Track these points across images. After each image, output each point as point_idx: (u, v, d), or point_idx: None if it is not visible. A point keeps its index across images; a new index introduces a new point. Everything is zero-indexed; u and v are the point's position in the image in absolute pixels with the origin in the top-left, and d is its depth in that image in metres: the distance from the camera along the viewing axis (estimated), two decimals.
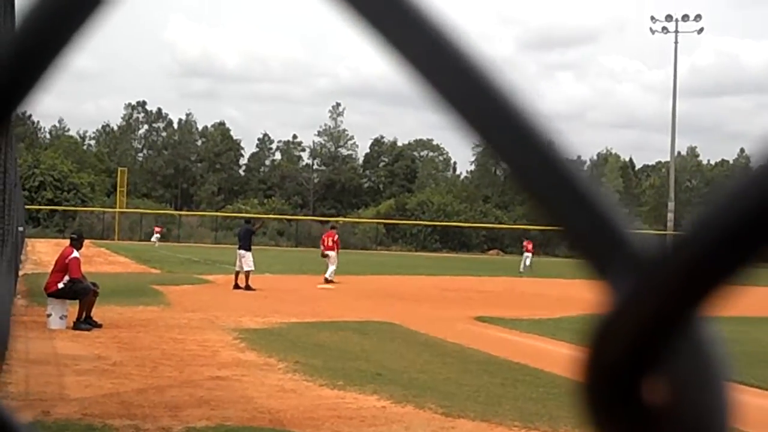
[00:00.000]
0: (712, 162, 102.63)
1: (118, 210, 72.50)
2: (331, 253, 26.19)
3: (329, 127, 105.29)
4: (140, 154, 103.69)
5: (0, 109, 0.54)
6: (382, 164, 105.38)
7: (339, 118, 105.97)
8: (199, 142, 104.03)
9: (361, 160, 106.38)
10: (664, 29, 75.85)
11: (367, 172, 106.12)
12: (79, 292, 13.04)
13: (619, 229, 0.42)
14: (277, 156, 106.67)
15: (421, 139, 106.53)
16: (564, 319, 16.02)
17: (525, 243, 40.46)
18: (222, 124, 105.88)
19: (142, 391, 8.38)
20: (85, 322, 12.90)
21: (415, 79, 0.44)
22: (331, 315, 16.12)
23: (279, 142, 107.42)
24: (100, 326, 12.93)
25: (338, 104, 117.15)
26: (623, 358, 0.41)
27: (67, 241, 14.05)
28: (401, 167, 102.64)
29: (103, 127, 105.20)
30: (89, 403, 7.68)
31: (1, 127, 0.55)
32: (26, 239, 38.48)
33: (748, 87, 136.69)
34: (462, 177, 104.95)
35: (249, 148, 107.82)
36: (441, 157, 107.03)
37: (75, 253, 13.41)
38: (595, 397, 0.41)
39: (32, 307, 14.78)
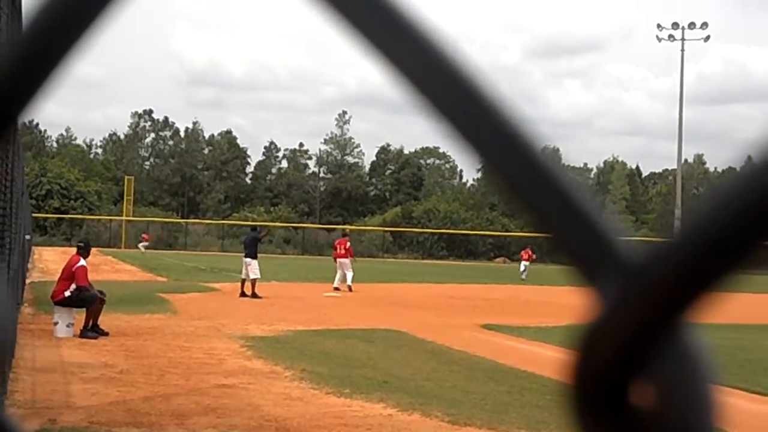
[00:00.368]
0: (719, 169, 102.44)
1: (125, 218, 72.62)
2: (345, 261, 26.18)
3: (335, 135, 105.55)
4: (147, 163, 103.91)
5: (5, 114, 0.55)
6: (388, 172, 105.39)
7: (345, 126, 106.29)
8: (206, 151, 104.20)
9: (367, 168, 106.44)
10: (671, 37, 75.67)
11: (374, 180, 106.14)
12: (85, 300, 13.06)
13: (607, 235, 0.43)
14: (284, 164, 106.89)
15: (427, 147, 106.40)
16: (571, 328, 15.94)
17: (522, 252, 40.43)
18: (229, 132, 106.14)
19: (148, 399, 8.39)
20: (91, 330, 12.92)
21: (403, 86, 0.45)
22: (338, 323, 16.11)
23: (285, 150, 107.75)
24: (106, 334, 12.95)
25: (344, 112, 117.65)
26: (611, 363, 0.42)
27: (74, 250, 14.06)
28: (407, 175, 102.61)
29: (110, 135, 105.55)
30: (96, 411, 7.69)
31: (7, 132, 0.56)
32: (33, 247, 38.59)
33: (755, 94, 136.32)
34: (468, 185, 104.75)
35: (255, 157, 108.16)
36: (447, 165, 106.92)
37: (82, 262, 13.42)
38: (583, 401, 0.42)
39: (39, 315, 14.81)
